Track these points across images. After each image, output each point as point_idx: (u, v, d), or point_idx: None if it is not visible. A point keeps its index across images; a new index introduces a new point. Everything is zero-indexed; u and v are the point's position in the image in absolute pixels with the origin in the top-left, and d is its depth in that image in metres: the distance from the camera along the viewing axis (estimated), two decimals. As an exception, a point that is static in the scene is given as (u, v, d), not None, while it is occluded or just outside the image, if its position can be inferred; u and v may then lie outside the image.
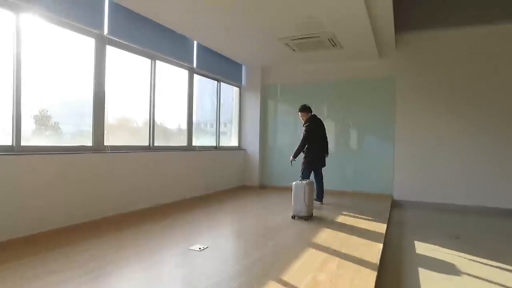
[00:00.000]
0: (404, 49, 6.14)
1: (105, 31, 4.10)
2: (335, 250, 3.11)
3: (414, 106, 6.07)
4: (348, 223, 4.22)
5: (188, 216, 4.38)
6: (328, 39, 5.16)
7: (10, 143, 3.18)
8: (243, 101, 7.55)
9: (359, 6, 4.01)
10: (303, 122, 5.42)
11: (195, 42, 5.77)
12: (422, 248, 3.66)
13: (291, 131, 7.25)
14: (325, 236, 3.61)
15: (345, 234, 3.72)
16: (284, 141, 7.29)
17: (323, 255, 2.96)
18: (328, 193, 6.03)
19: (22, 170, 3.15)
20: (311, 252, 3.04)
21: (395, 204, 6.07)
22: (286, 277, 2.44)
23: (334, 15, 4.31)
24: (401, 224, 4.76)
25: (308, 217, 4.34)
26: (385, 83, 6.38)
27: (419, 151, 6.02)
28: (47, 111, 3.65)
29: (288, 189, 4.70)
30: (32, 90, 3.41)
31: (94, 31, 3.98)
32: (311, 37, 5.10)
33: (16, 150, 3.19)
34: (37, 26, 3.45)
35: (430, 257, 3.37)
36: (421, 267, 3.09)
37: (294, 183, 4.42)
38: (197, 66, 5.88)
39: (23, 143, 3.30)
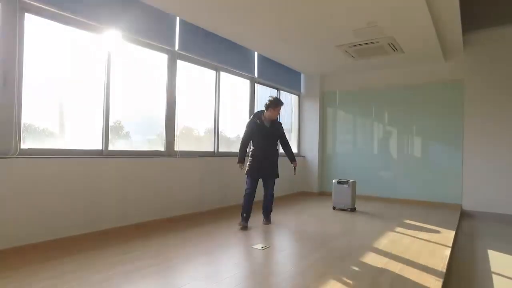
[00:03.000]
0: (473, 50, 5.80)
1: (176, 47, 4.54)
2: (397, 256, 3.08)
3: (485, 110, 5.67)
4: (412, 230, 4.11)
5: (251, 218, 4.58)
6: (388, 43, 5.09)
7: (100, 148, 3.68)
8: (302, 109, 7.67)
9: (420, 7, 3.93)
10: (273, 121, 4.26)
11: (255, 53, 6.05)
12: (497, 260, 3.43)
13: (350, 138, 7.19)
14: (387, 241, 3.58)
15: (409, 240, 3.65)
16: (344, 148, 7.25)
17: (384, 259, 2.96)
18: (392, 201, 5.85)
19: (109, 170, 3.63)
20: (372, 256, 3.05)
21: (465, 214, 5.70)
22: (346, 277, 2.51)
23: (394, 19, 4.28)
24: (472, 234, 4.47)
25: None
26: (452, 87, 6.06)
27: (491, 159, 5.60)
28: (120, 121, 4.07)
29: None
30: (113, 102, 3.88)
31: (167, 47, 4.43)
32: (371, 43, 5.08)
33: (104, 153, 3.68)
34: (122, 47, 3.96)
35: (508, 270, 3.16)
36: (496, 280, 2.92)
37: (352, 181, 5.43)
38: (258, 76, 6.15)
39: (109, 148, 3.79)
